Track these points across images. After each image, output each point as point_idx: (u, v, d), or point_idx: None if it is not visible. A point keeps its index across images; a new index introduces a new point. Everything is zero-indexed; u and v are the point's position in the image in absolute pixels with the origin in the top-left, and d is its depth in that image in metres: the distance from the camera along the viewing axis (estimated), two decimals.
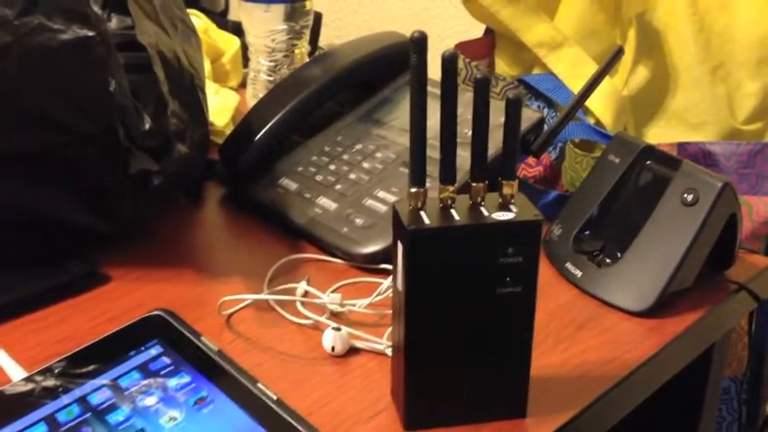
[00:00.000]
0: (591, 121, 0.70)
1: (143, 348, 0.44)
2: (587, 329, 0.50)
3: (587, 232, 0.56)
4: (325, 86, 0.67)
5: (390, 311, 0.48)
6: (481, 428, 0.42)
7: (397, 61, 0.71)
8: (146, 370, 0.42)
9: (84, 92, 0.49)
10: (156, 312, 0.46)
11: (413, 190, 0.40)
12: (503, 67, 0.79)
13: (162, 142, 0.53)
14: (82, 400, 0.41)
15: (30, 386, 0.41)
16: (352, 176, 0.61)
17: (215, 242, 0.62)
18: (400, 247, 0.40)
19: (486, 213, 0.40)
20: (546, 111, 0.72)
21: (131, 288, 0.53)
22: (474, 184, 0.40)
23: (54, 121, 0.49)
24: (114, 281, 0.54)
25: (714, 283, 0.55)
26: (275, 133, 0.64)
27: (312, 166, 0.63)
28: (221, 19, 1.04)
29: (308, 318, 0.50)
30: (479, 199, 0.41)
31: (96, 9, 0.49)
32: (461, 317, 0.40)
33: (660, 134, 0.70)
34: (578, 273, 0.54)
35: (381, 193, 0.59)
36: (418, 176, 0.40)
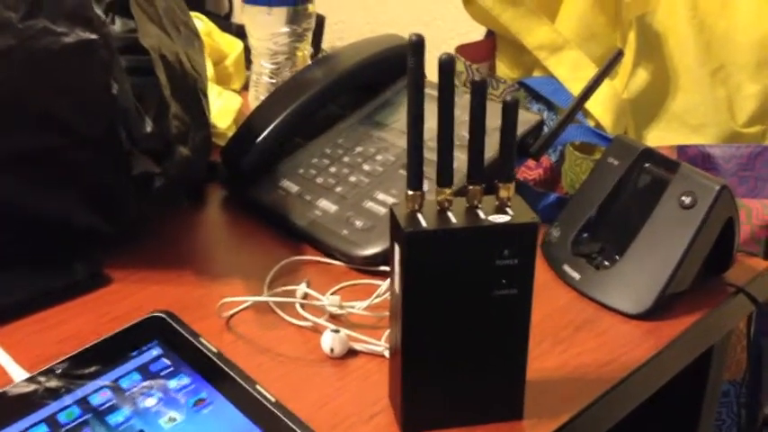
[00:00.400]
0: (591, 123, 0.70)
1: (144, 349, 0.44)
2: (585, 332, 0.50)
3: (586, 234, 0.56)
4: (326, 89, 0.67)
5: (388, 313, 0.48)
6: (478, 430, 0.42)
7: (397, 64, 0.71)
8: (146, 371, 0.43)
9: (87, 94, 0.50)
10: (156, 314, 0.47)
11: (410, 193, 0.40)
12: (503, 69, 0.79)
13: (163, 145, 0.53)
14: (83, 401, 0.41)
15: (31, 387, 0.42)
16: (353, 179, 0.61)
17: (216, 244, 0.62)
18: (397, 249, 0.40)
19: (482, 216, 0.40)
20: (546, 113, 0.73)
21: (133, 289, 0.54)
22: (471, 187, 0.41)
23: (57, 123, 0.50)
24: (116, 282, 0.54)
25: (712, 286, 0.55)
26: (277, 135, 0.65)
27: (313, 168, 0.63)
28: (225, 22, 1.05)
29: (307, 320, 0.50)
30: (476, 202, 0.41)
31: (99, 12, 0.49)
32: (458, 319, 0.41)
33: (660, 137, 0.70)
34: (576, 275, 0.54)
35: (381, 196, 0.59)
36: (415, 179, 0.40)
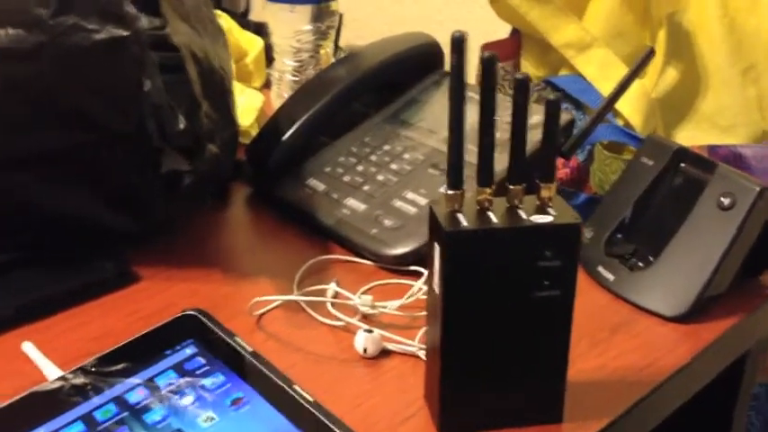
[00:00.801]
0: (620, 122, 0.70)
1: (178, 348, 0.44)
2: (621, 334, 0.50)
3: (619, 235, 0.55)
4: (351, 87, 0.66)
5: (422, 313, 0.48)
6: None
7: (423, 62, 0.71)
8: (181, 369, 0.42)
9: (118, 91, 0.49)
10: (189, 312, 0.46)
11: (450, 192, 0.40)
12: (529, 68, 0.79)
13: (193, 142, 0.53)
14: (119, 399, 0.41)
15: (66, 384, 0.41)
16: (380, 177, 0.61)
17: (243, 242, 0.62)
18: (437, 249, 0.40)
19: (524, 216, 0.40)
20: (574, 113, 0.72)
21: (162, 287, 0.53)
22: (512, 187, 0.40)
23: (87, 120, 0.50)
24: (145, 280, 0.54)
25: (748, 289, 0.54)
26: (303, 133, 0.64)
27: (339, 166, 0.63)
28: (243, 19, 1.04)
29: (339, 319, 0.50)
30: (517, 201, 0.40)
31: (131, 9, 0.49)
32: (498, 320, 0.40)
33: (690, 137, 0.70)
34: (610, 276, 0.54)
35: (410, 195, 0.59)
36: (456, 179, 0.40)
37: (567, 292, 0.40)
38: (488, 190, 0.40)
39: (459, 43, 0.38)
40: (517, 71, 0.79)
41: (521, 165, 0.40)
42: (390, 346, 0.48)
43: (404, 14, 1.40)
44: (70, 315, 0.50)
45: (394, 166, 0.62)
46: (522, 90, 0.38)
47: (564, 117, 0.60)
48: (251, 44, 0.85)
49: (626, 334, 0.50)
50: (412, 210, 0.58)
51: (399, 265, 0.56)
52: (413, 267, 0.55)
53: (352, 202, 0.60)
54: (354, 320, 0.50)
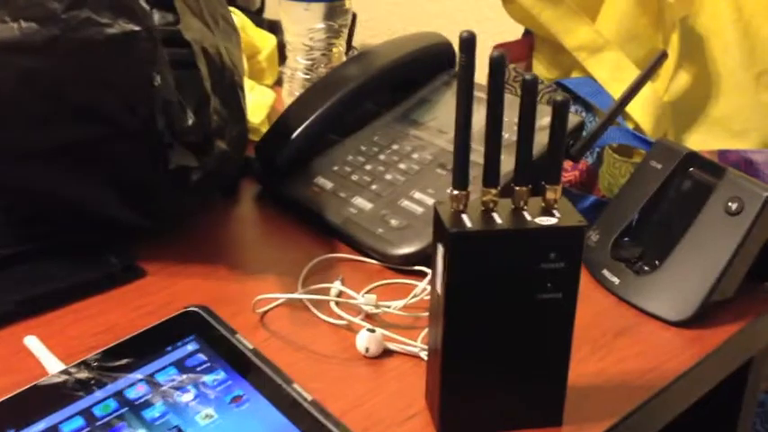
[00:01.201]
0: (630, 125, 0.69)
1: (179, 344, 0.44)
2: (625, 338, 0.49)
3: (626, 239, 0.55)
4: (362, 86, 0.66)
5: (425, 314, 0.47)
6: None
7: (435, 62, 0.71)
8: (182, 366, 0.43)
9: (129, 86, 0.50)
10: (192, 308, 0.46)
11: (455, 192, 0.40)
12: (540, 69, 0.78)
13: (202, 138, 0.53)
14: (118, 395, 0.41)
15: (67, 379, 0.41)
16: (388, 177, 0.61)
17: (249, 239, 0.62)
18: (441, 249, 0.39)
19: (528, 218, 0.39)
20: (584, 115, 0.71)
21: (167, 283, 0.54)
22: (517, 188, 0.40)
23: (98, 115, 0.50)
24: (150, 275, 0.54)
25: (754, 294, 0.54)
26: (312, 132, 0.64)
27: (348, 165, 0.63)
28: (257, 17, 1.05)
29: (342, 318, 0.50)
30: (522, 203, 0.40)
31: (143, 4, 0.49)
32: (501, 322, 0.40)
33: (701, 141, 0.69)
34: (616, 280, 0.53)
35: (417, 195, 0.59)
36: (461, 179, 0.39)
37: (569, 294, 0.40)
38: (494, 191, 0.40)
39: (467, 43, 0.38)
40: (528, 72, 0.79)
41: (527, 166, 0.40)
42: (392, 347, 0.48)
43: (417, 14, 1.40)
44: (75, 309, 0.51)
45: (402, 166, 0.61)
46: (529, 90, 0.38)
47: (574, 119, 0.60)
48: (264, 41, 0.85)
49: (630, 338, 0.49)
50: (419, 210, 0.57)
51: (405, 265, 0.55)
52: (418, 267, 0.55)
53: (359, 201, 0.60)
54: (357, 320, 0.50)
